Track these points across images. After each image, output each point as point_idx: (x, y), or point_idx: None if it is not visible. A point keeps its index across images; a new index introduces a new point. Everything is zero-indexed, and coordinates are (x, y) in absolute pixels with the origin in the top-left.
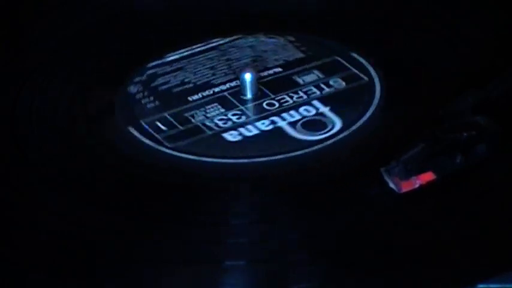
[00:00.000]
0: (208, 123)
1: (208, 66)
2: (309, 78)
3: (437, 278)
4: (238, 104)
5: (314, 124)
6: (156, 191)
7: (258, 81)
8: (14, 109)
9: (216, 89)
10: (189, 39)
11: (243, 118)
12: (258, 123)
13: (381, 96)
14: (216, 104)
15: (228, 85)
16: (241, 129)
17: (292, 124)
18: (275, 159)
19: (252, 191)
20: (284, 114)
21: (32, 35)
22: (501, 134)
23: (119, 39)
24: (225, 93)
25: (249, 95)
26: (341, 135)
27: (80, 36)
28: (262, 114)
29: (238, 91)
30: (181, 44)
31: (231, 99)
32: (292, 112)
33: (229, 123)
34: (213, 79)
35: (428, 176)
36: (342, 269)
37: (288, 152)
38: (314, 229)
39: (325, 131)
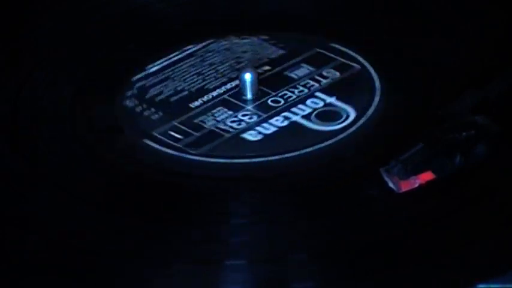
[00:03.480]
0: (222, 127)
1: (194, 73)
2: (301, 72)
3: (436, 278)
4: (243, 105)
5: (328, 114)
6: (156, 191)
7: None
8: (14, 109)
9: (214, 93)
10: (160, 49)
11: (255, 118)
12: (272, 121)
13: (380, 80)
14: (221, 108)
15: (224, 88)
16: (259, 128)
17: (307, 117)
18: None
19: (252, 190)
20: (294, 109)
21: (32, 35)
22: (500, 134)
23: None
24: (225, 96)
25: (249, 95)
26: (360, 122)
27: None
28: (271, 111)
29: (238, 92)
30: (155, 54)
31: (234, 101)
32: (300, 106)
33: (244, 124)
34: (205, 84)
35: (427, 176)
36: (341, 269)
37: (314, 145)
38: (314, 229)
39: (342, 120)
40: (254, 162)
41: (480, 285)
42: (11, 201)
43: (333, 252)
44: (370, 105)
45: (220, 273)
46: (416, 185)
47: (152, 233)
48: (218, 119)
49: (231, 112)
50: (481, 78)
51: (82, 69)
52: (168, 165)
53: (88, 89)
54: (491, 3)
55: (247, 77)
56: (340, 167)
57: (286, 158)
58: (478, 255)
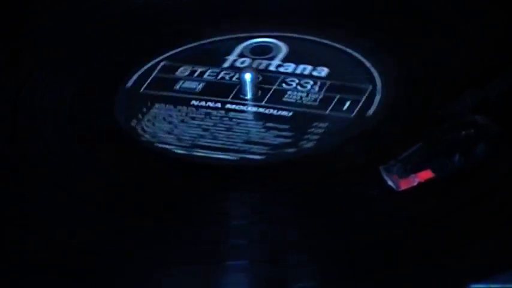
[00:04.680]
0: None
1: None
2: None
3: (437, 278)
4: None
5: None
6: (156, 191)
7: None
8: (14, 109)
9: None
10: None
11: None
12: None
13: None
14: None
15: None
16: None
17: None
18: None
19: (252, 190)
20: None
21: (32, 35)
22: (500, 134)
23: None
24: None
25: (249, 95)
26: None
27: (80, 36)
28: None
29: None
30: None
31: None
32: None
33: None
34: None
35: (426, 174)
36: (341, 269)
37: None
38: (314, 229)
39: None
40: (254, 162)
41: (480, 285)
42: (11, 201)
43: (333, 252)
44: (370, 105)
45: (220, 273)
46: (416, 183)
47: (152, 233)
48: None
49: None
50: (481, 78)
51: (82, 69)
52: (168, 165)
53: (88, 89)
54: (491, 3)
55: (247, 77)
56: (340, 166)
57: (286, 158)
58: (478, 255)
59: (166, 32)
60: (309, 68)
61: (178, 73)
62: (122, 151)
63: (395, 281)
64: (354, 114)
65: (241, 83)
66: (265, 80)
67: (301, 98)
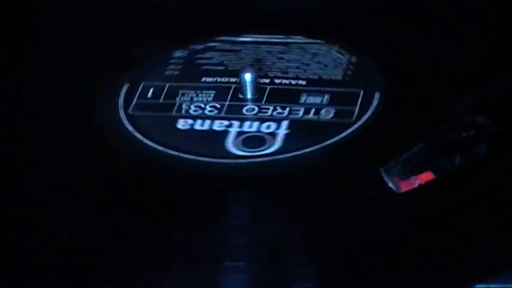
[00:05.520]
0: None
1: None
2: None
3: (437, 278)
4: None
5: None
6: (156, 191)
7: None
8: (14, 109)
9: (232, 79)
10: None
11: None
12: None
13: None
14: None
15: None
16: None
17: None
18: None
19: (252, 190)
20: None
21: (32, 35)
22: (500, 134)
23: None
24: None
25: (249, 95)
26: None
27: (80, 36)
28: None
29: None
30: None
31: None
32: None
33: (200, 112)
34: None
35: (427, 176)
36: (341, 269)
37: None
38: (314, 229)
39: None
40: (254, 162)
41: (480, 285)
42: (11, 201)
43: (333, 252)
44: (370, 105)
45: (220, 273)
46: (416, 185)
47: (152, 233)
48: (195, 99)
49: (210, 99)
50: (481, 78)
51: (82, 69)
52: (168, 165)
53: (88, 89)
54: (491, 3)
55: (247, 76)
56: (340, 167)
57: (286, 157)
58: (478, 255)
59: (167, 32)
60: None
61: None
62: (122, 151)
63: (395, 281)
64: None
65: (241, 82)
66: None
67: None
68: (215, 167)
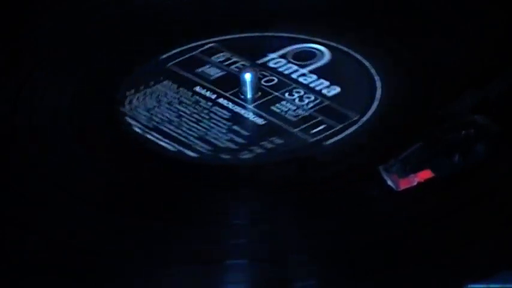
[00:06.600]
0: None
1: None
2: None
3: (437, 278)
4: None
5: None
6: (156, 190)
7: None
8: (14, 109)
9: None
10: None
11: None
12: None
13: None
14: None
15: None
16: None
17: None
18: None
19: (252, 190)
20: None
21: (32, 35)
22: (500, 134)
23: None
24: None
25: (249, 95)
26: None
27: (80, 36)
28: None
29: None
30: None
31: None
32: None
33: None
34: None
35: (426, 174)
36: (341, 269)
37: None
38: (314, 229)
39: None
40: (254, 162)
41: (480, 285)
42: (11, 201)
43: (333, 252)
44: (370, 105)
45: (220, 273)
46: (415, 183)
47: (152, 233)
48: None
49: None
50: (481, 78)
51: (82, 69)
52: (168, 165)
53: (88, 89)
54: (491, 3)
55: (247, 76)
56: (340, 166)
57: (286, 158)
58: (478, 255)
59: (167, 32)
60: (325, 83)
61: (214, 58)
62: (122, 151)
63: (395, 281)
64: (313, 139)
65: (241, 82)
66: (278, 85)
67: (287, 110)
68: (215, 166)
